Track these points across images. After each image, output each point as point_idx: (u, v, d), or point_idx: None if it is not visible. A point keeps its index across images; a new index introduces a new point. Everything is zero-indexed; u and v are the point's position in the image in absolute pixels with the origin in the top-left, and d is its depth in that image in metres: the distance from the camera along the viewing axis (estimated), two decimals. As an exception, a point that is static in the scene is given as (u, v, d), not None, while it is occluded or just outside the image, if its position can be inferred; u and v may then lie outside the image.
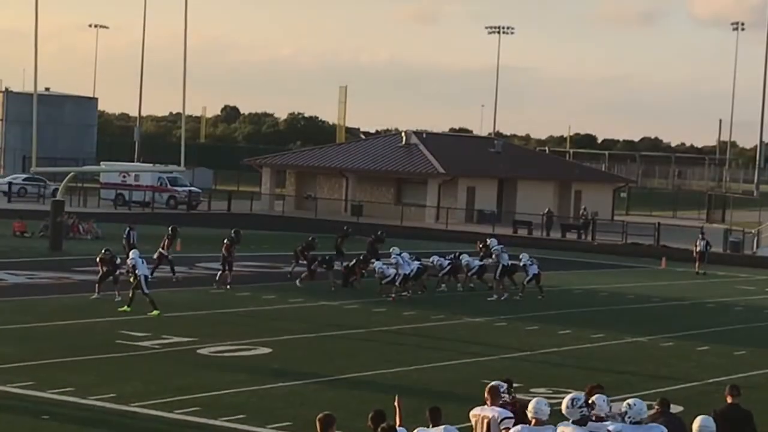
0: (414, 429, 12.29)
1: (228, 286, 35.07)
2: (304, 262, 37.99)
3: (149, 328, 26.99)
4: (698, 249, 49.20)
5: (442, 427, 12.20)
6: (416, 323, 30.15)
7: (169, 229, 38.21)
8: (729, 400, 14.23)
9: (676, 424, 13.16)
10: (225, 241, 36.43)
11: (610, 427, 12.22)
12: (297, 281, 36.54)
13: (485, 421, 12.69)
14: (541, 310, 33.80)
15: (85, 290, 33.14)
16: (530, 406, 12.48)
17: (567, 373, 23.87)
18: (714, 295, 40.44)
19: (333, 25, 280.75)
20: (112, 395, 19.70)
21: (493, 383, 13.23)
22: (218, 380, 21.42)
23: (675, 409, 13.81)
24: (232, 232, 37.59)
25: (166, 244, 37.46)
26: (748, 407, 14.55)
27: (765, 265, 53.28)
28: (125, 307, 29.53)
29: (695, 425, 12.41)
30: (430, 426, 12.31)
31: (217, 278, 35.67)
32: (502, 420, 12.60)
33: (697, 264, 48.89)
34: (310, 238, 39.47)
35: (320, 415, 11.49)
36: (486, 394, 13.01)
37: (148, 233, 51.69)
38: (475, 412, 12.90)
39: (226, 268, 35.64)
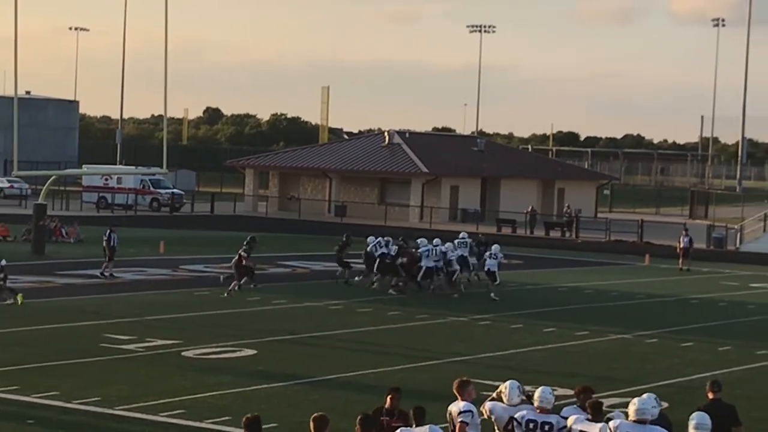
0: (398, 429, 12.32)
1: (237, 288, 34.39)
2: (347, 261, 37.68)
3: (133, 331, 26.94)
4: (682, 245, 49.33)
5: (427, 426, 12.24)
6: (400, 323, 30.15)
7: (244, 242, 35.81)
8: (710, 396, 14.26)
9: (661, 421, 13.17)
10: (241, 252, 34.82)
11: (611, 424, 12.23)
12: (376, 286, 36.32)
13: (450, 416, 12.89)
14: (525, 308, 33.84)
15: (69, 294, 33.06)
16: (536, 395, 12.80)
17: (552, 370, 23.88)
18: (698, 291, 40.55)
19: (314, 26, 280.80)
20: (96, 399, 19.65)
21: (460, 379, 13.34)
22: (203, 382, 21.40)
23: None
24: (248, 240, 35.74)
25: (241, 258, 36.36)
26: (732, 402, 14.59)
27: (748, 260, 53.46)
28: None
29: (691, 422, 12.40)
30: (414, 426, 12.34)
31: (237, 288, 34.42)
32: (459, 413, 12.74)
33: (680, 260, 49.01)
34: (344, 237, 38.82)
35: (315, 415, 11.47)
36: (455, 390, 13.12)
37: (132, 236, 51.68)
38: (449, 408, 13.08)
39: (244, 275, 34.67)
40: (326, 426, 11.34)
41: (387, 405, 12.86)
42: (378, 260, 37.33)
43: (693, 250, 49.81)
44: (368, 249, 37.78)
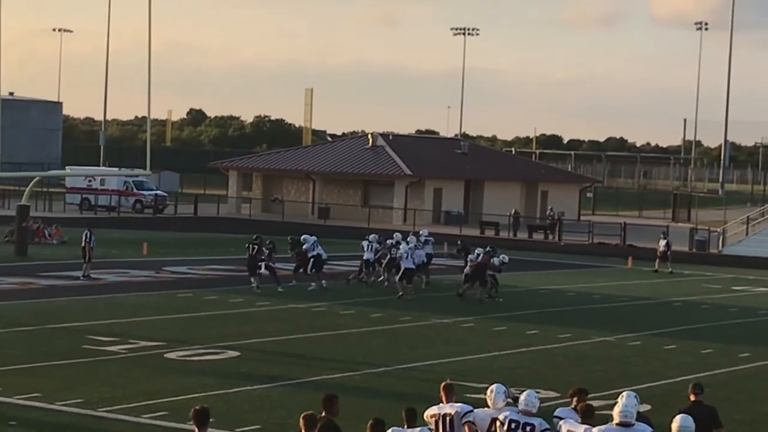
0: (388, 429, 12.28)
1: (280, 289, 35.66)
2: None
3: (116, 332, 26.88)
4: (660, 249, 49.45)
5: (419, 429, 12.24)
6: (384, 325, 30.16)
7: (268, 242, 37.23)
8: (692, 398, 14.31)
9: (641, 421, 13.20)
10: (263, 249, 36.37)
11: (594, 430, 12.19)
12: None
13: (447, 418, 12.81)
14: (509, 310, 33.88)
15: (52, 295, 32.97)
16: (521, 398, 12.81)
17: (535, 373, 23.93)
18: (680, 294, 40.65)
19: (298, 28, 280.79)
20: (79, 400, 19.60)
21: (446, 381, 13.38)
22: (186, 384, 21.36)
23: (642, 408, 13.88)
24: (267, 242, 37.21)
25: (271, 256, 36.64)
26: (714, 405, 14.63)
27: (730, 263, 53.62)
28: None
29: (674, 425, 12.41)
30: (406, 427, 12.32)
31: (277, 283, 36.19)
32: (464, 414, 12.75)
33: (657, 263, 49.08)
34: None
35: (305, 414, 11.43)
36: (441, 392, 13.14)
37: (115, 238, 51.60)
38: (433, 412, 13.00)
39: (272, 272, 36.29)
40: (316, 424, 11.31)
41: (325, 411, 12.45)
42: (312, 260, 37.66)
43: (673, 253, 49.92)
44: (304, 247, 38.03)
